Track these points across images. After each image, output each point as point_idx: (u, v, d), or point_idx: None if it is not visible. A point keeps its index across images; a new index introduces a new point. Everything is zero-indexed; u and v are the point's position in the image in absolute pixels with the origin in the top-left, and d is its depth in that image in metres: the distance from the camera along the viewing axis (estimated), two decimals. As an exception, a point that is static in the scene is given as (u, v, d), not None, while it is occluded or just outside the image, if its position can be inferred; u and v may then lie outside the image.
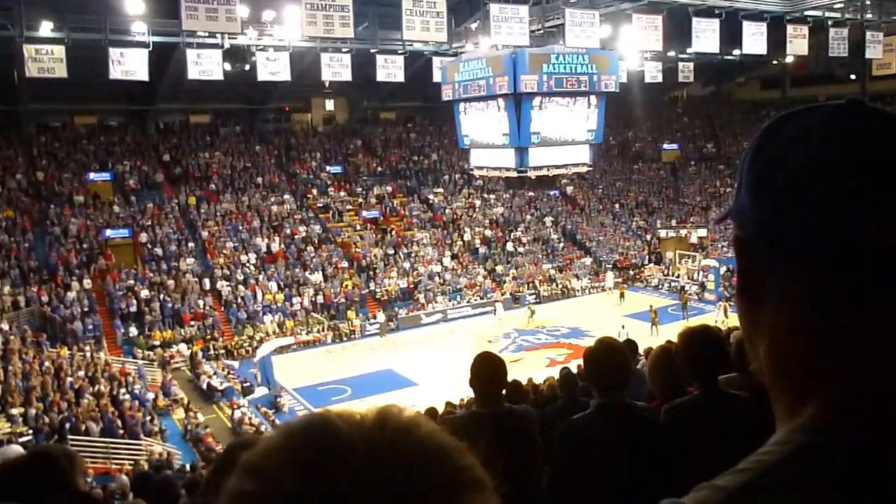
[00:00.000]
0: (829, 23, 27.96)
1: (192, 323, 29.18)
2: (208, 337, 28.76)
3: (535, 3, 21.91)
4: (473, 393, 3.84)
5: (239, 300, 30.86)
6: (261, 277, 32.33)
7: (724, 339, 3.67)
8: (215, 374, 25.60)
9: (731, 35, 26.14)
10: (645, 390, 4.39)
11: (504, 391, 3.99)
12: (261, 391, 24.74)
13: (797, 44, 27.32)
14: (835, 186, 0.74)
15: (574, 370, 8.87)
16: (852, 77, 46.13)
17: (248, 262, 33.08)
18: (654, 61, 32.13)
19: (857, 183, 0.74)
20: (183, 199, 36.00)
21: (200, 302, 30.10)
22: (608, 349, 3.40)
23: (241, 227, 35.09)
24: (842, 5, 27.31)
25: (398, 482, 0.60)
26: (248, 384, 24.93)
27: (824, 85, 48.32)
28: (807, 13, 27.18)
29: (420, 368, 25.89)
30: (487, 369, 3.79)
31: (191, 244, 33.29)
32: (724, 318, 28.06)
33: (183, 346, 27.87)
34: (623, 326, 26.45)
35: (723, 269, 35.66)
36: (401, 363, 26.95)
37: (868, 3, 27.47)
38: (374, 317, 32.05)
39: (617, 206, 45.70)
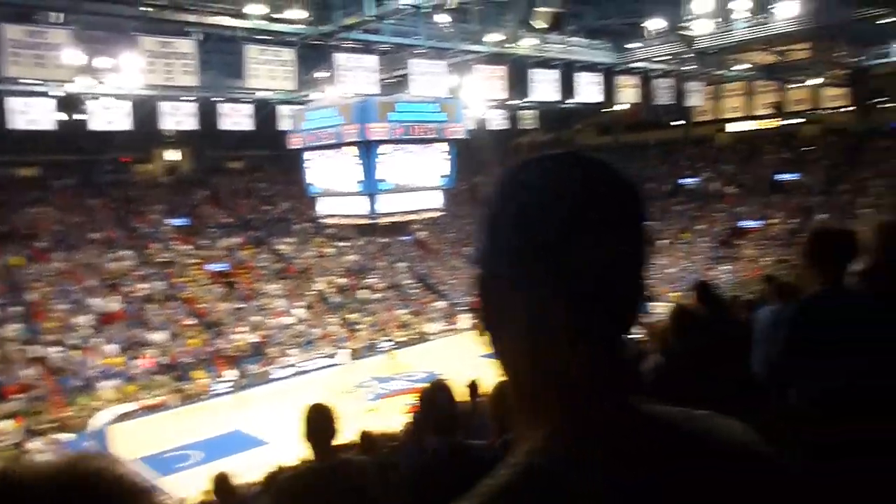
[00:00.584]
0: (655, 74, 30.28)
1: (17, 396, 26.66)
2: (36, 410, 26.37)
3: (382, 52, 22.27)
4: (306, 446, 3.76)
5: (72, 366, 28.65)
6: (97, 340, 30.25)
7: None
8: (45, 450, 23.49)
9: (568, 84, 27.68)
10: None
11: (335, 441, 3.92)
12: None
13: (627, 93, 29.34)
14: (543, 226, 0.86)
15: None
16: (678, 123, 50.14)
17: (83, 324, 30.90)
18: (499, 109, 33.47)
19: (560, 222, 0.86)
20: (6, 260, 33.23)
21: (26, 372, 27.65)
22: (441, 392, 3.45)
23: (73, 287, 32.78)
24: (665, 58, 29.65)
25: None
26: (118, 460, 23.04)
27: (653, 130, 52.17)
28: (634, 65, 29.31)
29: (272, 426, 24.98)
30: (316, 421, 3.75)
31: (15, 308, 30.66)
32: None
33: (6, 423, 25.41)
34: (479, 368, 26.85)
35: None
36: (251, 422, 25.92)
37: (687, 56, 29.99)
38: (223, 375, 30.73)
39: (465, 249, 46.70)
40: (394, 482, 3.28)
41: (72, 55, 19.08)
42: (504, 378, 0.93)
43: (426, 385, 3.57)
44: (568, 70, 26.70)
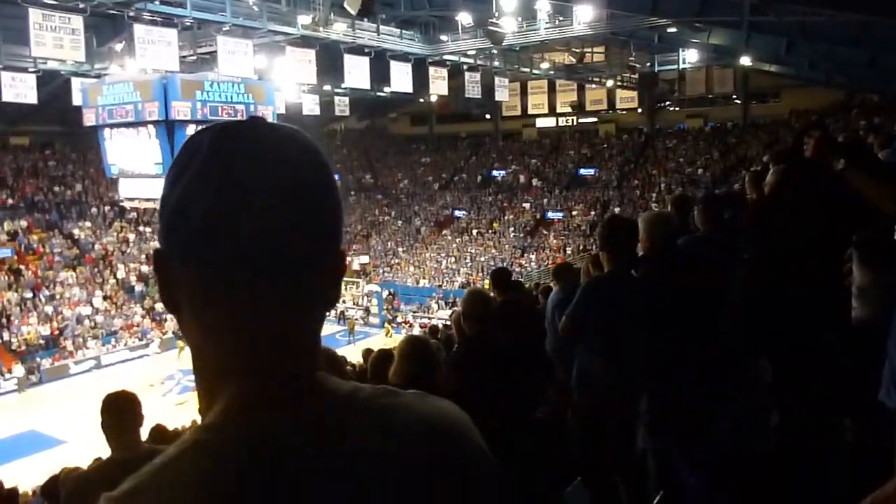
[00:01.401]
0: (465, 67, 31.14)
1: None
2: None
3: (185, 28, 21.20)
4: (106, 439, 3.51)
5: None
6: None
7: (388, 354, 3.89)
8: None
9: (381, 73, 27.81)
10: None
11: (138, 432, 3.70)
12: None
13: (438, 84, 29.96)
14: (199, 200, 0.81)
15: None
16: (487, 116, 51.94)
17: None
18: (311, 94, 32.96)
19: (215, 195, 0.81)
20: None
21: None
22: None
23: None
24: (474, 52, 30.57)
25: None
26: None
27: (465, 122, 53.71)
28: (445, 57, 29.98)
29: (70, 425, 23.21)
30: (118, 410, 3.51)
31: None
32: (387, 339, 29.54)
33: None
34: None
35: (385, 293, 37.57)
36: (47, 421, 23.93)
37: (495, 52, 31.09)
38: (10, 370, 28.08)
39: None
40: None
41: None
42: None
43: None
44: (380, 59, 26.83)
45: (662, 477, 4.22)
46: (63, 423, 23.42)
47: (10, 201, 37.86)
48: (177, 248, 0.84)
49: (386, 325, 33.74)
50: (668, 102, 47.10)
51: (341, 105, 37.09)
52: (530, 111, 50.12)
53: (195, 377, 0.88)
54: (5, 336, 29.81)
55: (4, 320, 30.52)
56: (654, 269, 4.40)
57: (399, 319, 35.70)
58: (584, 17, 25.89)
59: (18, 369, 28.12)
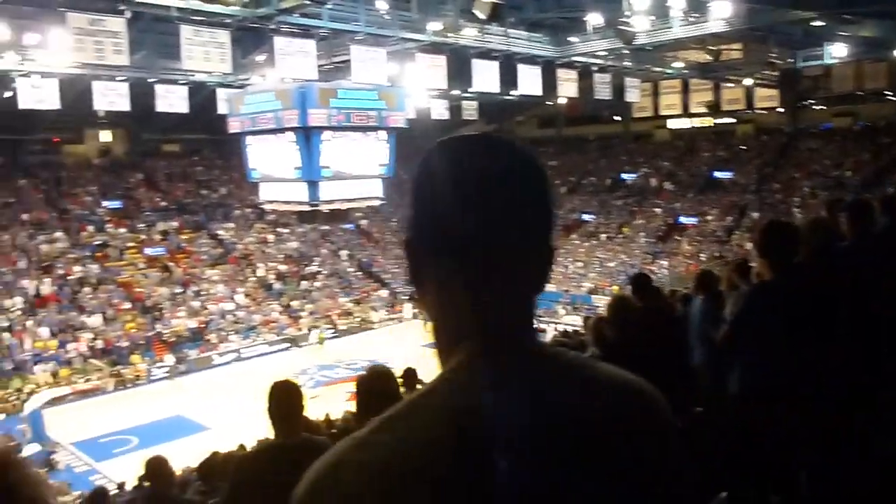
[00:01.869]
0: (594, 68, 30.72)
1: (-55, 378, 25.92)
2: (-36, 393, 25.66)
3: (321, 38, 22.12)
4: (271, 424, 3.74)
5: (3, 349, 27.86)
6: (29, 323, 29.44)
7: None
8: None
9: (510, 76, 27.93)
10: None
11: (301, 420, 3.91)
12: (31, 448, 22.38)
13: (567, 86, 29.72)
14: (442, 200, 1.05)
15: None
16: (617, 118, 50.93)
17: (14, 306, 30.02)
18: (440, 99, 33.53)
19: (456, 197, 1.04)
20: (-69, 240, 32.07)
21: (-46, 354, 26.84)
22: (374, 377, 3.48)
23: (4, 269, 31.79)
24: (604, 53, 30.11)
25: None
26: (16, 443, 22.47)
27: (593, 125, 52.88)
28: (574, 59, 29.68)
29: (212, 412, 24.75)
30: (282, 397, 3.71)
31: (-59, 290, 29.66)
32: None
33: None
34: (426, 356, 27.01)
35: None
36: (192, 407, 25.61)
37: (625, 52, 30.51)
38: (162, 360, 30.27)
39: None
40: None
41: (-1, 30, 18.53)
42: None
43: (363, 372, 3.58)
44: (509, 62, 26.93)
45: (815, 491, 4.06)
46: (206, 411, 25.01)
47: (162, 203, 40.77)
48: (425, 240, 1.07)
49: None
50: (811, 101, 44.45)
51: (469, 109, 37.45)
52: (662, 112, 48.65)
53: (434, 343, 1.10)
54: (158, 327, 32.14)
55: (157, 313, 32.91)
56: (814, 277, 4.22)
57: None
58: (721, 12, 24.91)
59: (169, 358, 30.24)
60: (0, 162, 38.20)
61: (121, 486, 14.30)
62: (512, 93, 31.86)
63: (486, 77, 26.30)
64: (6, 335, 28.46)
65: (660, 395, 1.09)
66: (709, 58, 34.43)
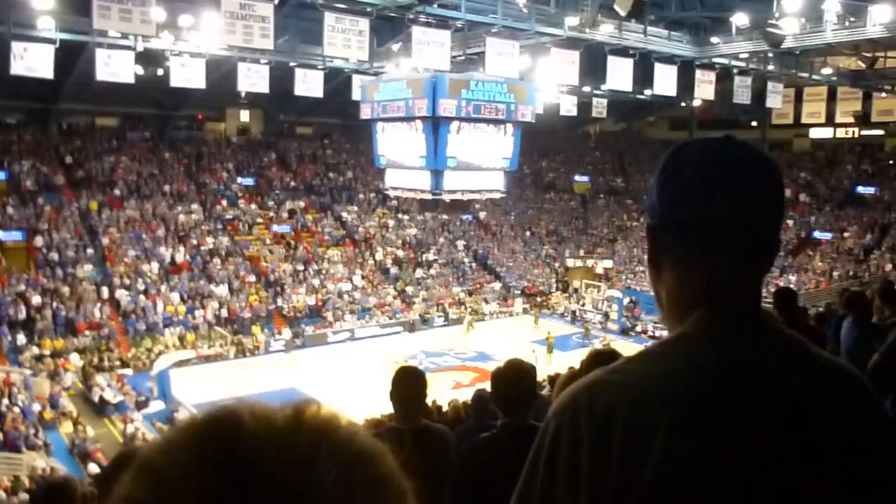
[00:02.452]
0: (735, 71, 29.42)
1: (87, 333, 27.92)
2: (103, 348, 27.57)
3: (457, 29, 22.23)
4: (393, 407, 3.79)
5: (139, 311, 29.76)
6: (163, 288, 31.31)
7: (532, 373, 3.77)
8: (109, 386, 24.54)
9: (643, 75, 27.16)
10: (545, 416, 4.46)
11: (422, 407, 3.94)
12: (157, 405, 23.86)
13: (704, 88, 28.61)
14: (704, 192, 1.22)
15: (483, 392, 8.99)
16: (753, 124, 48.66)
17: (151, 271, 31.99)
18: (569, 95, 33.05)
19: (715, 189, 1.21)
20: (84, 204, 34.54)
21: (97, 311, 28.86)
22: (515, 370, 3.44)
23: (144, 236, 33.93)
24: (747, 55, 28.79)
25: (311, 491, 0.54)
26: (144, 398, 24.00)
27: (728, 129, 49.41)
28: (715, 60, 28.54)
29: (325, 387, 25.53)
30: (409, 383, 3.74)
31: (90, 250, 31.93)
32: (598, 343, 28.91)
33: (75, 356, 26.61)
34: (534, 351, 26.86)
35: (626, 300, 36.76)
36: (306, 381, 26.52)
37: (770, 55, 29.06)
38: (280, 333, 31.49)
39: (528, 233, 46.53)
40: (461, 453, 3.29)
41: (156, 12, 19.63)
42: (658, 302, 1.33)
43: (503, 363, 3.56)
44: (644, 60, 26.21)
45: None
46: (319, 385, 25.81)
47: (292, 183, 42.31)
48: (672, 225, 1.25)
49: (584, 325, 33.84)
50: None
51: (599, 107, 36.78)
52: (804, 120, 45.91)
53: (666, 316, 1.30)
54: (279, 302, 33.43)
55: (279, 288, 34.23)
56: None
57: (638, 329, 34.80)
58: (882, 17, 23.27)
59: (287, 332, 31.41)
60: (149, 135, 40.78)
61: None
62: (645, 92, 31.08)
63: (619, 75, 25.69)
64: (142, 297, 30.36)
65: (870, 383, 1.20)
66: (862, 65, 32.30)
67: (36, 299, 28.24)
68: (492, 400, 3.80)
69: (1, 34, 21.93)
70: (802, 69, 32.26)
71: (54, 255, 30.79)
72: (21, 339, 26.72)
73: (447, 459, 3.63)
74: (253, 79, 25.39)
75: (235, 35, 19.25)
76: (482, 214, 46.00)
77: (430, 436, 3.70)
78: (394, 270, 38.73)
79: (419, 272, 39.21)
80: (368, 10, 20.34)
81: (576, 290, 40.77)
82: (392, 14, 21.47)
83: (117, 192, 35.92)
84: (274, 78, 26.08)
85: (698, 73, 27.96)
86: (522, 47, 23.71)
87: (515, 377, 3.39)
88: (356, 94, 25.86)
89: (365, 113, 22.85)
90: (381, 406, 4.04)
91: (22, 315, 27.52)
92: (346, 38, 20.11)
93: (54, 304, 28.37)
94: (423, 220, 43.18)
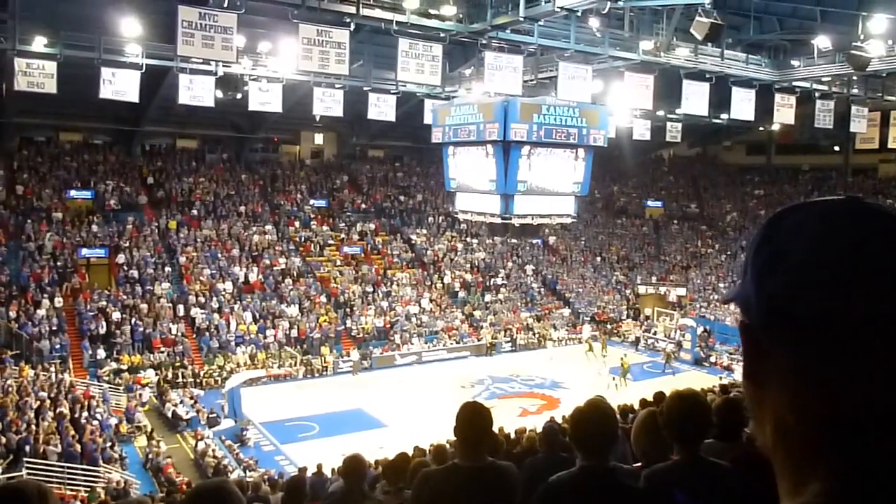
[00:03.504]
0: (817, 94, 28.59)
1: (163, 349, 28.75)
2: (177, 364, 28.33)
3: (529, 54, 22.28)
4: (457, 443, 3.74)
5: (212, 328, 30.51)
6: (236, 307, 32.03)
7: (708, 404, 3.63)
8: (181, 402, 25.16)
9: (720, 99, 26.65)
10: (624, 450, 4.34)
11: (487, 445, 3.87)
12: (227, 423, 24.29)
13: (784, 112, 27.88)
14: (830, 280, 0.81)
15: (554, 423, 8.82)
16: (836, 149, 47.09)
17: (225, 290, 32.79)
18: (643, 119, 32.67)
19: (849, 277, 0.80)
20: (163, 223, 35.76)
21: (173, 328, 29.72)
22: (596, 412, 3.33)
23: (220, 255, 34.86)
24: (829, 79, 27.98)
25: None
26: (215, 415, 24.49)
27: (808, 154, 49.30)
28: (795, 84, 27.80)
29: (391, 410, 25.61)
30: (474, 421, 3.66)
31: (167, 268, 32.99)
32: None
33: (150, 372, 27.42)
34: (613, 380, 26.46)
35: (700, 330, 35.84)
36: (372, 403, 26.65)
37: (854, 78, 28.15)
38: (349, 354, 31.77)
39: (598, 258, 45.95)
40: (538, 494, 3.23)
41: (237, 38, 20.30)
42: (759, 431, 0.90)
43: (584, 403, 3.48)
44: (721, 84, 25.71)
45: None
46: (385, 407, 25.90)
47: (363, 206, 42.90)
48: (780, 326, 0.84)
49: (665, 353, 32.84)
50: None
51: (673, 131, 36.24)
52: (891, 145, 44.29)
53: (776, 452, 0.87)
54: (348, 323, 33.78)
55: (348, 309, 34.61)
56: None
57: (713, 359, 33.79)
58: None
59: (355, 354, 31.65)
60: (226, 157, 42.07)
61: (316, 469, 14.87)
62: (721, 116, 30.48)
63: (695, 98, 25.27)
64: (216, 316, 31.12)
65: None
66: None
67: (116, 315, 29.26)
68: (571, 439, 3.68)
69: (92, 60, 23.03)
70: (889, 92, 31.12)
71: (134, 273, 31.90)
72: (101, 353, 27.70)
73: (513, 499, 3.55)
74: (327, 103, 25.95)
75: (312, 61, 19.74)
76: (552, 239, 45.68)
77: (495, 474, 3.62)
78: (462, 294, 38.72)
79: (487, 296, 39.10)
80: (442, 35, 20.61)
81: (647, 318, 39.98)
82: (464, 39, 21.70)
83: (195, 211, 37.07)
84: (348, 102, 26.62)
85: (777, 97, 27.29)
86: (595, 71, 23.59)
87: (597, 420, 3.26)
88: (428, 118, 26.13)
89: (436, 137, 23.06)
90: (447, 430, 3.99)
91: (102, 330, 28.54)
92: (420, 63, 20.40)
93: (133, 321, 29.34)
94: (492, 243, 43.11)
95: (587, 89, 22.84)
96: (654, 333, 37.66)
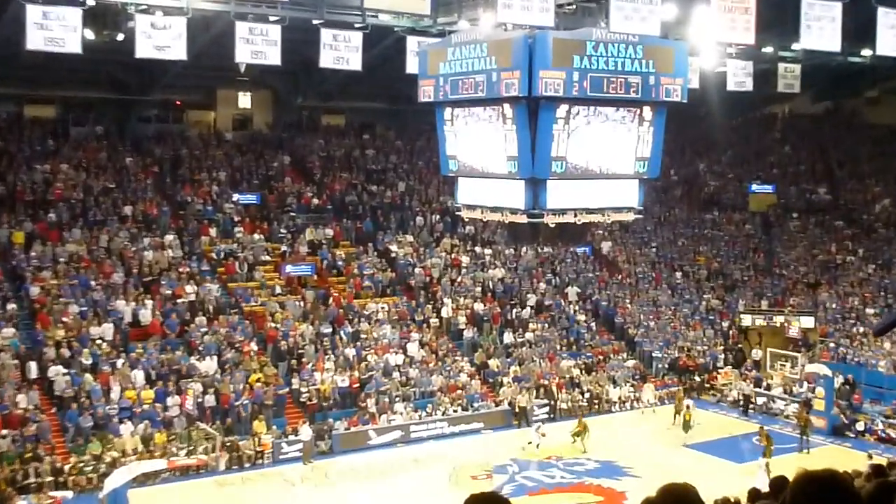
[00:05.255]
0: None
1: (4, 432, 28.51)
2: (28, 455, 28.08)
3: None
4: None
5: (82, 397, 30.36)
6: (120, 362, 31.88)
7: (856, 493, 3.62)
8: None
9: (860, 26, 26.69)
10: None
11: None
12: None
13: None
14: None
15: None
16: None
17: (102, 336, 32.67)
18: (741, 60, 32.68)
19: None
20: (3, 235, 35.75)
21: (20, 398, 29.53)
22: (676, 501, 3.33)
23: (93, 283, 34.80)
24: None
25: None
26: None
27: None
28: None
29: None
30: None
31: (10, 305, 32.90)
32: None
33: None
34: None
35: (838, 380, 35.64)
36: (334, 508, 26.63)
37: None
38: (296, 432, 31.63)
39: (678, 274, 45.94)
40: None
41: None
42: None
43: (654, 495, 3.45)
44: (862, 4, 25.77)
45: None
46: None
47: (315, 201, 42.78)
48: None
49: (799, 417, 32.79)
50: None
51: (788, 76, 36.23)
52: None
53: None
54: (295, 383, 33.62)
55: (295, 361, 34.44)
56: None
57: (859, 426, 33.72)
58: None
59: (306, 431, 31.46)
60: (102, 131, 42.01)
61: None
62: (862, 52, 30.54)
63: (821, 27, 25.31)
64: (88, 377, 30.90)
65: None
66: None
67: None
68: None
69: None
70: None
71: (-39, 313, 31.83)
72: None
73: None
74: (257, 45, 25.92)
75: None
76: (605, 246, 45.68)
77: None
78: (469, 334, 38.63)
79: (508, 337, 39.02)
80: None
81: (756, 364, 39.91)
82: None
83: (53, 216, 37.03)
84: (289, 43, 26.56)
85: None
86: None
87: None
88: (412, 66, 26.08)
89: (426, 93, 23.00)
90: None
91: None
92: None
93: (-41, 387, 29.21)
94: (515, 255, 43.08)
95: (655, 17, 22.78)
96: (768, 388, 37.57)
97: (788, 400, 36.04)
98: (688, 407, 32.41)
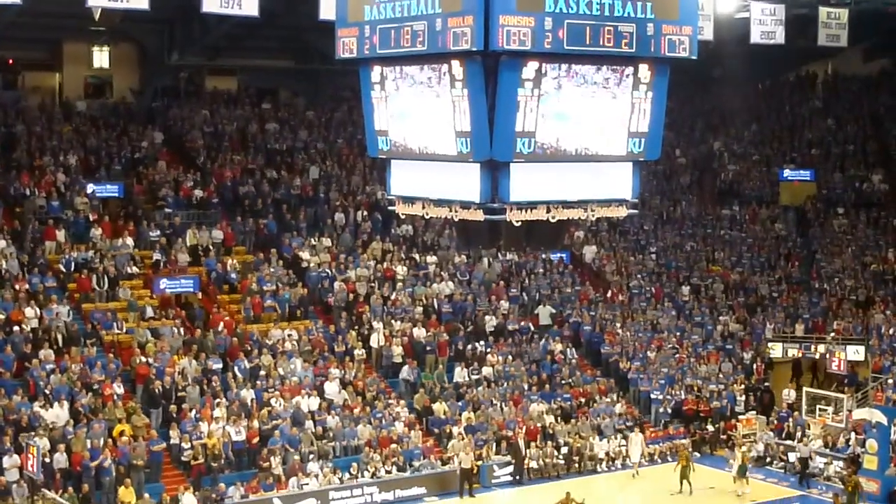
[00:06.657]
0: None
1: None
2: None
3: None
4: None
5: None
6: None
7: None
8: None
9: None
10: None
11: None
12: None
13: None
14: None
15: None
16: None
17: None
18: (769, 3, 33.17)
19: None
20: None
21: None
22: None
23: None
24: None
25: None
26: None
27: None
28: None
29: None
30: None
31: None
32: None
33: None
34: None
35: (895, 430, 35.81)
36: None
37: None
38: (177, 500, 31.73)
39: (686, 289, 46.37)
40: None
41: None
42: None
43: None
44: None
45: None
46: None
47: (198, 193, 42.82)
48: None
49: (847, 481, 33.24)
50: None
51: (832, 25, 36.74)
52: None
53: None
54: (173, 436, 33.69)
55: (173, 408, 34.51)
56: None
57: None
58: None
59: (188, 500, 31.57)
60: None
61: None
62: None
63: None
64: None
65: None
66: None
67: None
68: None
69: None
70: None
71: None
72: None
73: None
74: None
75: None
76: (589, 252, 46.13)
77: None
78: (408, 370, 38.84)
79: (459, 373, 39.29)
80: None
81: (790, 408, 40.32)
82: None
83: None
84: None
85: None
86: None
87: None
88: (326, 10, 26.28)
89: (345, 47, 23.19)
90: None
91: None
92: None
93: None
94: (469, 265, 43.39)
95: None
96: (803, 441, 37.79)
97: (830, 457, 36.39)
98: (748, 448, 33.21)
